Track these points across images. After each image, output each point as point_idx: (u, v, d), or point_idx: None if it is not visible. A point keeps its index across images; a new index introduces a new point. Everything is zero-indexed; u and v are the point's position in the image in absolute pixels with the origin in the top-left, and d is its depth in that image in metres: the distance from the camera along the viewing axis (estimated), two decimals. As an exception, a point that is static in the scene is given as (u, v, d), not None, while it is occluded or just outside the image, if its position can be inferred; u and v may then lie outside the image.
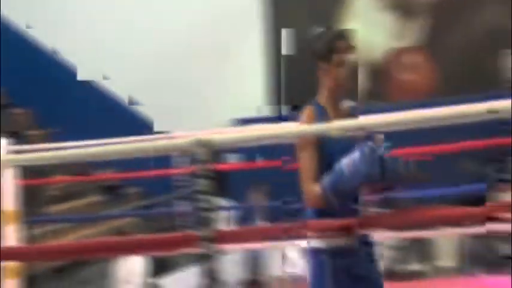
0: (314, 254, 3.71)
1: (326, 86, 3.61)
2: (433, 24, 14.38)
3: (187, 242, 2.98)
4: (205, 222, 2.58)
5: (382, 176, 3.19)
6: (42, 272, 8.95)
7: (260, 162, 9.55)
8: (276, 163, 8.99)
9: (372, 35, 14.55)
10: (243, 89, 14.53)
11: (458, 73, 13.53)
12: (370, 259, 3.81)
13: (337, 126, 3.09)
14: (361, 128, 3.14)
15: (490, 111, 2.83)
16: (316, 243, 3.66)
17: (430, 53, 14.34)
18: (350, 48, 3.57)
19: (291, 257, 8.81)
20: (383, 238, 8.03)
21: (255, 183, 11.32)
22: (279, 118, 12.64)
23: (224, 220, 10.33)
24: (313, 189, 3.48)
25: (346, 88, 3.61)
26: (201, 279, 2.60)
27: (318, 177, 3.48)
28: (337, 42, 3.56)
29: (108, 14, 14.44)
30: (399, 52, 14.63)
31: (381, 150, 3.19)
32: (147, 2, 14.76)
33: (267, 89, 14.91)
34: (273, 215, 10.26)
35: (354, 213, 3.55)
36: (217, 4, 14.49)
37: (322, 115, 3.60)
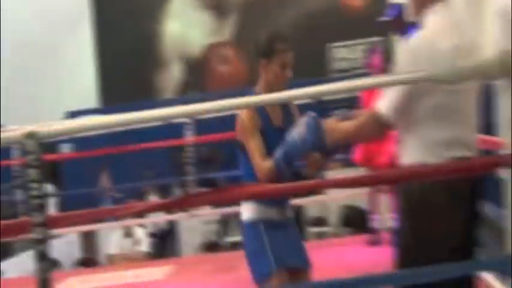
0: (249, 227, 3.88)
1: (264, 79, 3.76)
2: (242, 22, 14.57)
3: (22, 228, 2.94)
4: (37, 209, 2.57)
5: (324, 145, 3.27)
6: None
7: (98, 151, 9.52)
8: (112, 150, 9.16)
9: (190, 32, 14.70)
10: (76, 84, 14.31)
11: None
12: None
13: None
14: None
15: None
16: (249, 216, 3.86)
17: (240, 47, 14.51)
18: (288, 48, 3.72)
19: (137, 235, 8.80)
20: (205, 213, 8.25)
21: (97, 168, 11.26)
22: (106, 111, 12.64)
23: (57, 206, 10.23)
24: (265, 164, 3.58)
25: (282, 82, 3.72)
26: (35, 262, 2.59)
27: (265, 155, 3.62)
28: (278, 44, 3.71)
29: None
30: (214, 47, 14.77)
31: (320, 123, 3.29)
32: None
33: (98, 84, 14.76)
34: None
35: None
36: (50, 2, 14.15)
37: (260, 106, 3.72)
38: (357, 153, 6.83)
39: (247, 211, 3.90)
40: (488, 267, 3.15)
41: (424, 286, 2.57)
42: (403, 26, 6.10)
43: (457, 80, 2.39)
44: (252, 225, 3.87)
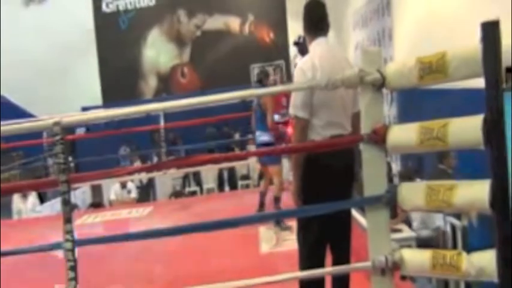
0: None
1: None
2: (194, 50, 14.52)
3: (53, 183, 2.90)
4: (62, 171, 2.53)
5: None
6: None
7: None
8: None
9: (161, 56, 14.59)
10: (87, 88, 14.01)
11: (215, 78, 13.75)
12: None
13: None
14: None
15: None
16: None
17: (192, 67, 14.53)
18: None
19: (129, 186, 8.68)
20: (172, 173, 8.24)
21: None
22: (106, 107, 12.51)
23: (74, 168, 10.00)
24: None
25: None
26: (61, 205, 2.56)
27: None
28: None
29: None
30: (176, 66, 14.70)
31: None
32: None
33: (101, 89, 14.48)
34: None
35: None
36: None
37: None
38: None
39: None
40: (353, 204, 3.22)
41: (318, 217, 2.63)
42: (305, 50, 6.17)
43: (329, 86, 2.40)
44: None
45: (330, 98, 2.83)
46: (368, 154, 2.37)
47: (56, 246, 2.53)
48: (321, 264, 2.81)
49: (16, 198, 8.10)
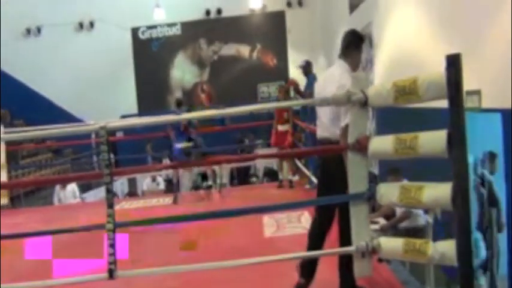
0: None
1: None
2: (212, 71, 14.50)
3: (98, 175, 2.90)
4: (106, 166, 2.54)
5: None
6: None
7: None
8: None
9: (185, 75, 14.60)
10: (125, 99, 13.95)
11: (228, 94, 13.76)
12: None
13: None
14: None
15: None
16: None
17: (211, 84, 14.54)
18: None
19: (158, 180, 8.62)
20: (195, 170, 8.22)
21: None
22: (141, 115, 12.57)
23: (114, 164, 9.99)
24: None
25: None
26: (105, 193, 2.56)
27: None
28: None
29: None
30: (197, 83, 14.67)
31: None
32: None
33: (137, 100, 14.41)
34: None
35: None
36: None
37: None
38: (272, 140, 6.52)
39: None
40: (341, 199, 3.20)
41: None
42: (308, 72, 6.17)
43: (323, 103, 2.40)
44: None
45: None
46: (353, 159, 2.36)
47: (100, 227, 2.54)
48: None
49: (58, 188, 7.85)
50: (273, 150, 6.61)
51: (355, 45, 2.88)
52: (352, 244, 2.34)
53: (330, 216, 2.81)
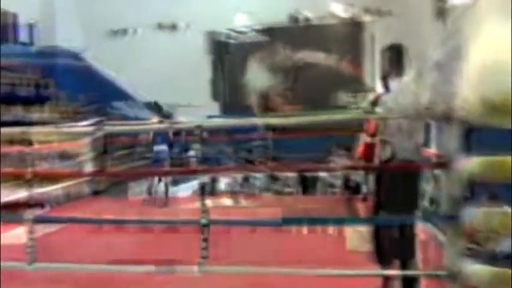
0: None
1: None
2: (292, 77, 14.29)
3: (191, 171, 2.99)
4: (200, 163, 2.62)
5: None
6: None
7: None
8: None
9: (265, 81, 14.66)
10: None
11: (309, 101, 13.67)
12: None
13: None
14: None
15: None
16: None
17: (292, 90, 14.31)
18: None
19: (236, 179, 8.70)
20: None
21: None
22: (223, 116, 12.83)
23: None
24: None
25: None
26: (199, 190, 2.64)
27: None
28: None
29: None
30: (278, 89, 14.40)
31: None
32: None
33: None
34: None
35: None
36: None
37: None
38: (359, 151, 6.41)
39: None
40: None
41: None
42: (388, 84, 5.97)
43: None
44: None
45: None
46: (445, 179, 2.28)
47: (194, 221, 2.64)
48: None
49: (156, 181, 7.79)
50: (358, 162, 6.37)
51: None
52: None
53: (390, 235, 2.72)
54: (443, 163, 2.26)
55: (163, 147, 5.74)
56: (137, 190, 8.17)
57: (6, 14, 12.79)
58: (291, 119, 2.98)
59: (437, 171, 2.84)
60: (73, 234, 4.47)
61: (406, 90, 2.82)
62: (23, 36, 13.44)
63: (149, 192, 7.44)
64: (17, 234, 4.15)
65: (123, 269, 2.88)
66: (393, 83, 2.96)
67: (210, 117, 12.27)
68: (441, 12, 8.75)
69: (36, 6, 13.63)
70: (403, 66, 2.99)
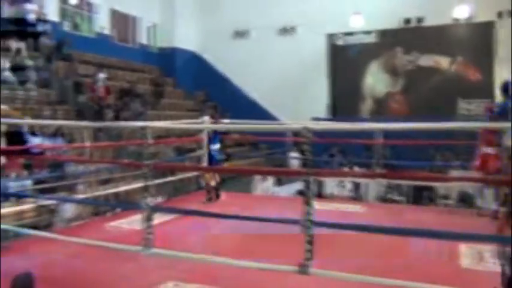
0: None
1: None
2: (407, 81, 13.86)
3: (296, 173, 2.95)
4: (308, 165, 2.54)
5: None
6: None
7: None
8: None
9: (377, 83, 14.21)
10: (318, 103, 14.19)
11: (422, 107, 13.00)
12: None
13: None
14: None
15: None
16: None
17: (404, 95, 13.87)
18: None
19: (346, 183, 8.47)
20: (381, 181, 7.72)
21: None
22: (333, 119, 12.67)
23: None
24: None
25: None
26: (305, 191, 2.56)
27: None
28: None
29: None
30: (390, 93, 14.17)
31: None
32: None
33: (329, 104, 14.61)
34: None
35: None
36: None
37: None
38: (476, 163, 5.54)
39: None
40: None
41: None
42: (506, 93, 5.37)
43: None
44: None
45: None
46: None
47: (296, 222, 2.57)
48: None
49: (257, 180, 8.27)
50: (472, 174, 5.74)
51: None
52: None
53: None
54: None
55: (217, 147, 5.78)
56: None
57: (127, 18, 14.07)
58: (408, 125, 2.75)
59: None
60: (185, 224, 4.68)
61: None
62: (143, 38, 14.70)
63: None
64: (134, 220, 4.50)
65: (243, 264, 2.84)
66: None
67: (315, 119, 12.20)
68: None
69: (157, 10, 14.81)
70: None
